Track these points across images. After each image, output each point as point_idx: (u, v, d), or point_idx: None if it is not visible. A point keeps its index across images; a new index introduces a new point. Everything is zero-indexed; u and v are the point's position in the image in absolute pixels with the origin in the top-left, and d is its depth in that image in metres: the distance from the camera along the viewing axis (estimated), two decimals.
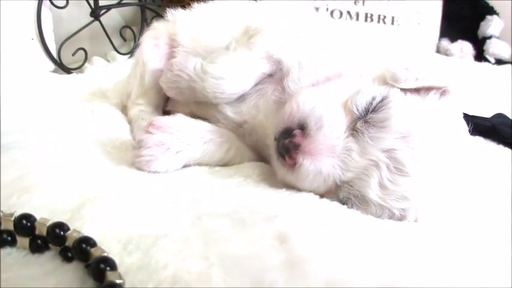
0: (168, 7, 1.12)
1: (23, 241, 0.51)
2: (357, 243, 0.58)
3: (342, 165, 0.68)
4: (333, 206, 0.69)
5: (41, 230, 0.50)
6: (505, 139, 1.19)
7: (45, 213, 0.54)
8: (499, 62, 2.78)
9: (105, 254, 0.46)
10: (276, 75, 0.85)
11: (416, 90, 0.73)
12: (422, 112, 0.70)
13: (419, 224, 0.69)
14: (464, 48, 2.68)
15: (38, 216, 0.52)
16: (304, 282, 0.48)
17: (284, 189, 0.73)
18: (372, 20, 2.52)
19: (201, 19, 1.01)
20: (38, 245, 0.50)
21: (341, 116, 0.70)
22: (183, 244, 0.52)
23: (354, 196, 0.68)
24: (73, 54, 1.67)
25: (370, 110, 0.69)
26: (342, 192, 0.69)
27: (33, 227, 0.50)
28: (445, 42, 2.82)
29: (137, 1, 1.99)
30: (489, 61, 2.78)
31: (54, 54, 1.59)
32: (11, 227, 0.50)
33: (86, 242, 0.47)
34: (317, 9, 2.42)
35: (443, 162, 0.69)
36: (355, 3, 2.48)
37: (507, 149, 1.17)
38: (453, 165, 0.70)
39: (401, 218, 0.69)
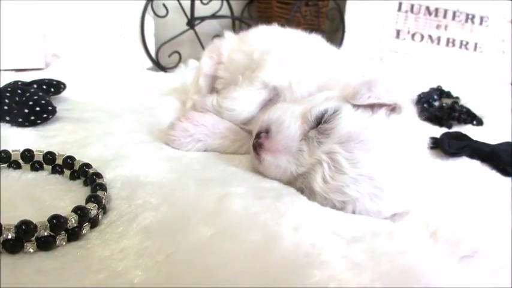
0: (260, 20, 1.39)
1: (67, 172, 0.85)
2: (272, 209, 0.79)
3: (296, 161, 0.87)
4: (285, 190, 0.86)
5: (76, 167, 0.84)
6: (500, 165, 1.21)
7: (88, 161, 0.88)
8: None
9: (103, 182, 0.77)
10: (274, 99, 1.09)
11: (371, 107, 0.86)
12: (367, 124, 0.84)
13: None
14: None
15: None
16: (215, 221, 0.72)
17: (260, 176, 0.94)
18: (453, 45, 2.56)
19: (236, 43, 1.30)
20: (74, 176, 0.84)
21: (298, 124, 0.90)
22: (157, 188, 0.82)
23: (306, 187, 0.85)
24: (169, 56, 2.07)
25: (322, 121, 0.87)
26: (298, 183, 0.87)
27: (73, 164, 0.84)
28: None
29: (230, 15, 2.34)
30: None
31: (153, 55, 1.99)
32: (60, 162, 0.85)
33: (96, 175, 0.80)
34: (398, 32, 2.54)
35: (380, 165, 0.81)
36: (437, 27, 2.54)
37: (495, 173, 1.19)
38: (390, 167, 0.82)
39: (341, 209, 0.82)
